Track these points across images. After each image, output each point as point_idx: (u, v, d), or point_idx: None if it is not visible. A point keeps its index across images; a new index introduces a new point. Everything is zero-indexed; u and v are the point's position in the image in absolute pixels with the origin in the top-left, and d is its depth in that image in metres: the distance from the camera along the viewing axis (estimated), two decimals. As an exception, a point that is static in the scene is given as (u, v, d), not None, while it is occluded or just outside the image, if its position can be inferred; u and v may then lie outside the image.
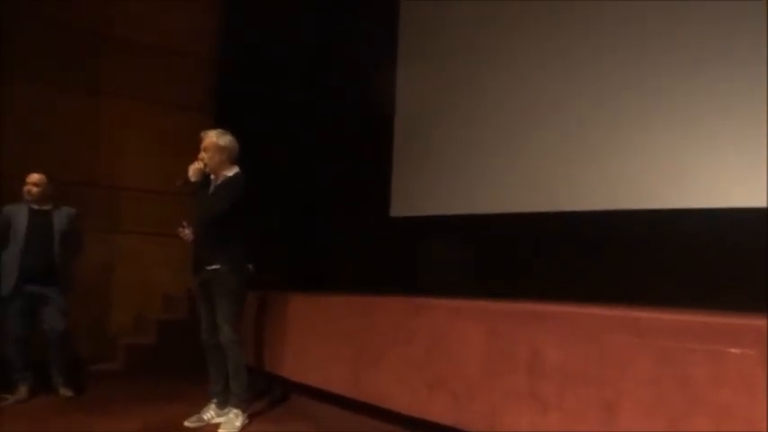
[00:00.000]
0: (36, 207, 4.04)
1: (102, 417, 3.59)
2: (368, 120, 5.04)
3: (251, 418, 3.55)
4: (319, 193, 5.50)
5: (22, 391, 3.92)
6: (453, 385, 2.79)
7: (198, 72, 5.91)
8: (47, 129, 5.04)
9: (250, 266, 3.54)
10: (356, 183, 5.08)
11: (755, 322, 1.91)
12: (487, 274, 3.89)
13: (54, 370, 4.07)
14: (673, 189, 3.22)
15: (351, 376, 3.40)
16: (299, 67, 5.74)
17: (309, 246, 5.44)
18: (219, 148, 3.47)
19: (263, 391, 4.12)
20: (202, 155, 3.47)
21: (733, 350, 1.90)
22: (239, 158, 3.59)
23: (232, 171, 3.52)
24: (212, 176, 3.53)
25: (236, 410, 3.47)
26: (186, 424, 3.45)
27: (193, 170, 3.44)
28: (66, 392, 4.02)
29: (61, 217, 4.08)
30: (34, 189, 4.01)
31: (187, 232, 3.55)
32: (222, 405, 3.56)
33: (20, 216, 3.99)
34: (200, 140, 3.51)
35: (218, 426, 3.43)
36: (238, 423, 3.42)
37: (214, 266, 3.40)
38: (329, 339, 3.64)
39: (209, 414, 3.54)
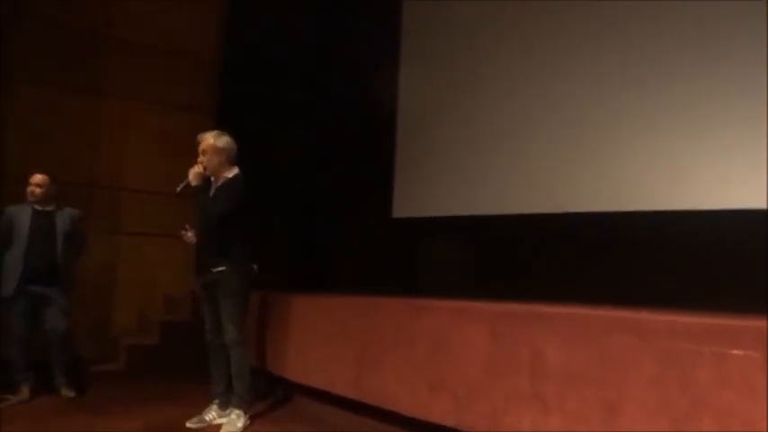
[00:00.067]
0: (39, 208, 4.04)
1: (103, 417, 3.60)
2: (370, 120, 5.04)
3: (252, 419, 3.55)
4: (321, 194, 5.50)
5: (24, 391, 3.93)
6: (455, 386, 2.79)
7: (199, 72, 5.91)
8: (48, 129, 5.05)
9: (254, 267, 3.54)
10: (358, 183, 5.07)
11: (757, 324, 1.91)
12: (489, 275, 3.89)
13: (56, 370, 4.08)
14: (673, 190, 3.22)
15: (353, 377, 3.40)
16: (300, 67, 5.73)
17: (312, 247, 5.44)
18: (218, 150, 3.46)
19: (266, 392, 4.12)
20: (201, 158, 3.45)
21: (735, 352, 1.91)
22: (239, 159, 3.59)
23: (232, 172, 3.52)
24: (212, 178, 3.52)
25: (237, 411, 3.47)
26: (188, 425, 3.45)
27: (193, 174, 3.41)
28: (67, 393, 4.03)
29: (64, 218, 4.09)
30: (37, 190, 4.01)
31: (190, 235, 3.55)
32: (224, 406, 3.56)
33: (23, 217, 4.00)
34: (197, 143, 3.49)
35: (219, 427, 3.43)
36: (240, 424, 3.43)
37: (219, 268, 3.40)
38: (331, 340, 3.64)
39: (211, 415, 3.55)
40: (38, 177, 4.03)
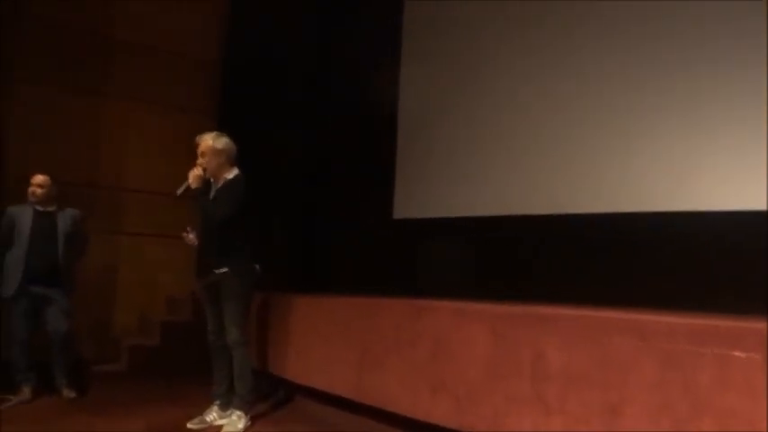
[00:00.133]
0: (40, 208, 4.05)
1: (104, 418, 3.60)
2: (371, 121, 5.04)
3: (253, 420, 3.56)
4: (322, 195, 5.50)
5: (26, 392, 3.93)
6: (456, 388, 2.79)
7: (199, 73, 5.91)
8: (49, 130, 5.04)
9: (257, 267, 3.54)
10: (359, 184, 5.08)
11: (758, 325, 1.91)
12: (490, 276, 3.89)
13: (57, 371, 4.08)
14: (674, 192, 3.22)
15: (354, 379, 3.40)
16: (300, 67, 5.73)
17: (312, 247, 5.45)
18: (217, 152, 3.45)
19: (267, 393, 4.12)
20: (200, 160, 3.44)
21: (737, 353, 1.90)
22: (240, 159, 3.58)
23: (232, 173, 3.51)
24: (212, 180, 3.51)
25: (238, 412, 3.47)
26: (189, 426, 3.45)
27: (193, 177, 3.40)
28: (69, 394, 4.03)
29: (65, 218, 4.09)
30: (39, 190, 4.02)
31: (191, 237, 3.55)
32: (225, 407, 3.57)
33: (24, 217, 4.00)
34: (195, 145, 3.47)
35: (220, 428, 3.43)
36: (241, 425, 3.43)
37: (222, 270, 3.40)
38: (332, 341, 3.64)
39: (212, 416, 3.55)
40: (39, 178, 4.03)
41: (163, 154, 5.40)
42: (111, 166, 5.44)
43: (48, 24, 5.11)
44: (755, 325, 1.93)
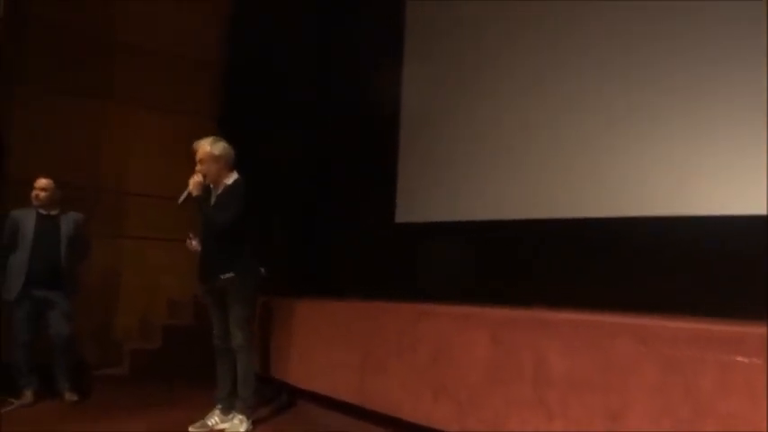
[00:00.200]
0: (43, 212, 4.07)
1: (106, 421, 3.61)
2: (373, 123, 5.04)
3: (255, 424, 3.56)
4: (324, 198, 5.51)
5: (28, 395, 3.94)
6: (457, 392, 2.79)
7: (201, 75, 5.92)
8: (51, 132, 5.06)
9: (262, 270, 3.55)
10: (361, 187, 5.08)
11: (759, 330, 1.91)
12: (493, 280, 3.88)
13: (59, 374, 4.09)
14: (674, 196, 3.22)
15: (356, 383, 3.40)
16: (302, 68, 5.74)
17: (313, 250, 5.45)
18: (215, 158, 3.45)
19: (270, 397, 4.12)
20: (199, 167, 3.44)
21: (739, 358, 1.90)
22: (244, 162, 3.59)
23: (231, 178, 3.52)
24: (212, 186, 3.51)
25: (240, 416, 3.48)
26: (190, 429, 3.46)
27: (194, 184, 3.40)
28: (71, 397, 4.04)
29: (68, 222, 4.11)
30: (42, 194, 4.04)
31: (194, 243, 3.55)
32: (227, 411, 3.57)
33: (27, 221, 4.02)
34: (193, 152, 3.48)
35: (222, 431, 3.43)
36: (243, 429, 3.44)
37: (228, 275, 3.41)
38: (334, 345, 3.64)
39: (214, 420, 3.55)
40: (42, 182, 4.06)
41: (164, 156, 5.40)
42: (112, 169, 5.46)
43: (52, 27, 5.14)
44: (756, 330, 1.93)
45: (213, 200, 3.51)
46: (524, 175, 3.97)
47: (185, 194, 3.42)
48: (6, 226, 4.01)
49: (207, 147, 3.46)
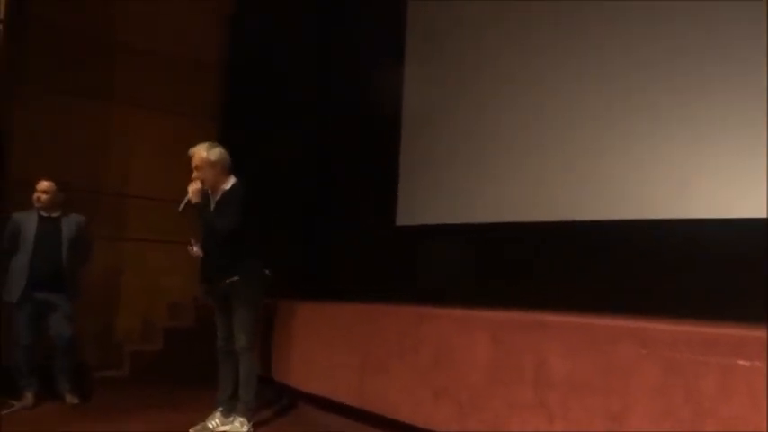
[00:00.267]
0: (45, 214, 4.07)
1: (107, 424, 3.61)
2: (375, 125, 5.04)
3: (256, 426, 3.56)
4: (325, 199, 5.51)
5: (29, 397, 3.94)
6: (458, 394, 2.79)
7: (202, 76, 5.91)
8: (53, 134, 5.05)
9: (267, 272, 3.55)
10: (362, 189, 5.08)
11: (759, 334, 1.91)
12: (493, 282, 3.88)
13: (60, 376, 4.09)
14: (675, 199, 3.22)
15: (356, 385, 3.40)
16: (305, 71, 5.74)
17: (314, 253, 5.45)
18: (211, 164, 3.44)
19: (271, 400, 4.12)
20: (196, 173, 3.43)
21: (741, 362, 1.90)
22: (242, 162, 3.58)
23: (229, 183, 3.50)
24: (210, 192, 3.50)
25: (241, 418, 3.48)
26: (191, 431, 3.45)
27: (193, 192, 3.39)
28: (72, 399, 4.04)
29: (70, 224, 4.11)
30: (44, 196, 4.04)
31: (195, 250, 3.53)
32: (227, 413, 3.56)
33: (29, 223, 4.02)
34: (189, 158, 3.46)
35: (223, 434, 3.44)
36: (243, 431, 3.44)
37: (233, 279, 3.42)
38: (335, 348, 3.64)
39: (215, 422, 3.54)
40: (44, 184, 4.06)
41: (164, 157, 5.38)
42: (113, 170, 5.45)
43: (55, 30, 5.13)
44: (757, 333, 1.92)
45: (213, 206, 3.50)
46: (525, 176, 3.98)
47: (185, 202, 3.41)
48: (8, 228, 4.01)
49: (203, 153, 3.44)
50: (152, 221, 5.43)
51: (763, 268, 2.72)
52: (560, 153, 3.80)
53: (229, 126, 5.83)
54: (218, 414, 3.57)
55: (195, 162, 3.44)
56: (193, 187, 3.40)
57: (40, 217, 4.06)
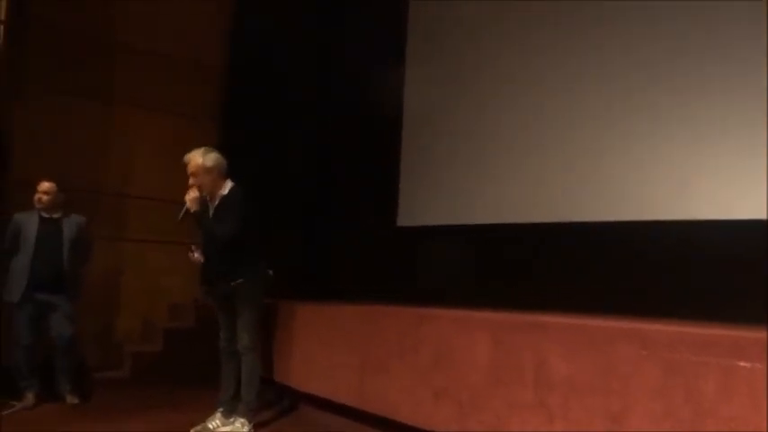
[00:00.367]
0: (46, 215, 4.07)
1: (107, 424, 3.61)
2: (374, 125, 5.04)
3: (257, 427, 3.56)
4: (325, 200, 5.51)
5: (29, 397, 3.94)
6: (459, 394, 2.79)
7: (203, 76, 5.91)
8: (53, 134, 5.05)
9: (270, 272, 3.55)
10: (362, 189, 5.08)
11: (759, 335, 1.91)
12: (493, 283, 3.89)
13: (61, 377, 4.09)
14: (674, 200, 3.21)
15: (357, 385, 3.40)
16: (305, 71, 5.74)
17: (315, 253, 5.45)
18: (207, 170, 3.42)
19: (272, 401, 4.12)
20: (192, 180, 3.40)
21: (741, 363, 1.90)
22: (243, 162, 3.58)
23: (226, 188, 3.48)
24: (208, 198, 3.48)
25: (242, 419, 3.48)
26: (191, 432, 3.46)
27: (191, 200, 3.36)
28: (72, 400, 4.04)
29: (71, 225, 4.11)
30: (45, 197, 4.04)
31: (197, 256, 3.52)
32: (228, 414, 3.56)
33: (30, 224, 4.02)
34: (184, 165, 3.44)
35: (223, 434, 3.44)
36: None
37: (237, 281, 3.42)
38: (335, 348, 3.64)
39: (215, 423, 3.54)
40: (45, 185, 4.06)
41: (164, 158, 5.37)
42: (113, 171, 5.45)
43: (56, 32, 5.13)
44: (757, 334, 1.93)
45: (211, 212, 3.49)
46: (525, 176, 3.98)
47: (183, 211, 3.39)
48: (9, 229, 4.01)
49: (199, 159, 3.41)
50: (152, 222, 5.43)
51: (763, 269, 2.71)
52: (560, 153, 3.79)
53: (229, 126, 5.84)
54: (218, 415, 3.57)
55: (191, 169, 3.41)
56: (191, 196, 3.38)
57: (41, 218, 4.06)
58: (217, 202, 3.48)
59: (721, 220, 2.97)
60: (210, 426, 3.52)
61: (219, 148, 3.66)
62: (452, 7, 4.65)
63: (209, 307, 3.74)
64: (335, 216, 5.33)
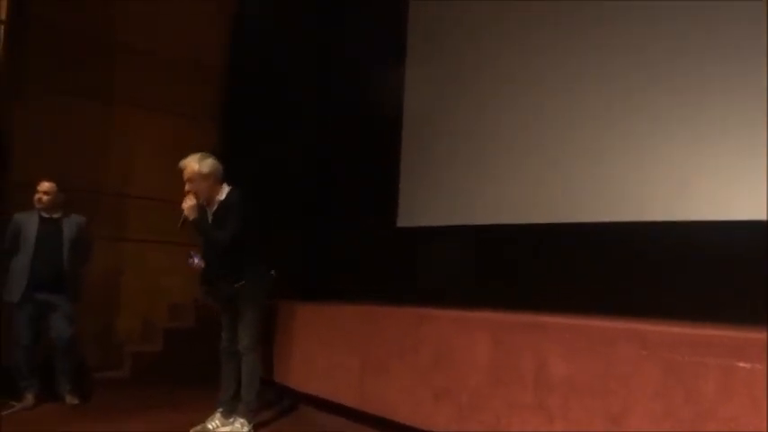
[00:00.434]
0: (46, 215, 4.07)
1: (107, 424, 3.61)
2: (375, 125, 5.04)
3: (256, 427, 3.56)
4: (325, 200, 5.50)
5: (29, 398, 3.94)
6: (459, 395, 2.79)
7: (203, 77, 5.91)
8: (53, 134, 5.05)
9: (272, 273, 3.55)
10: (362, 190, 5.07)
11: (759, 336, 1.91)
12: (493, 283, 3.88)
13: (60, 377, 4.09)
14: (674, 200, 3.21)
15: (357, 386, 3.40)
16: (305, 71, 5.73)
17: (315, 253, 5.44)
18: (204, 176, 3.39)
19: (272, 401, 4.12)
20: (188, 186, 3.38)
21: (741, 364, 1.90)
22: (244, 163, 3.57)
23: (223, 193, 3.47)
24: (205, 204, 3.47)
25: (241, 420, 3.48)
26: (191, 432, 3.46)
27: (188, 208, 3.34)
28: (72, 400, 4.04)
29: (71, 225, 4.11)
30: (45, 197, 4.04)
31: (197, 262, 3.50)
32: (228, 414, 3.56)
33: (30, 224, 4.02)
34: (180, 171, 3.41)
35: (223, 435, 3.44)
36: (244, 432, 3.44)
37: (240, 283, 3.43)
38: (335, 349, 3.64)
39: (215, 423, 3.54)
40: (45, 185, 4.06)
41: (164, 158, 5.35)
42: (113, 171, 5.45)
43: (55, 30, 5.12)
44: (757, 335, 1.92)
45: (210, 217, 3.48)
46: (525, 176, 3.97)
47: (182, 219, 3.37)
48: (9, 229, 4.01)
49: (195, 165, 3.38)
50: (152, 222, 5.43)
51: (763, 269, 2.71)
52: (560, 153, 3.79)
53: (229, 126, 5.84)
54: (218, 415, 3.57)
55: (187, 175, 3.39)
56: (187, 204, 3.35)
57: (41, 218, 4.06)
58: (215, 207, 3.47)
59: (721, 220, 2.97)
60: (210, 426, 3.52)
61: (219, 148, 3.66)
62: (452, 7, 4.64)
63: (209, 307, 3.74)
64: (335, 216, 5.32)
